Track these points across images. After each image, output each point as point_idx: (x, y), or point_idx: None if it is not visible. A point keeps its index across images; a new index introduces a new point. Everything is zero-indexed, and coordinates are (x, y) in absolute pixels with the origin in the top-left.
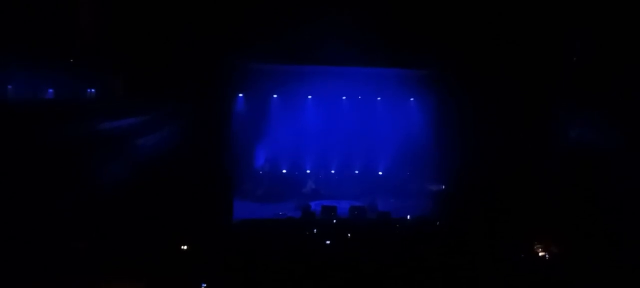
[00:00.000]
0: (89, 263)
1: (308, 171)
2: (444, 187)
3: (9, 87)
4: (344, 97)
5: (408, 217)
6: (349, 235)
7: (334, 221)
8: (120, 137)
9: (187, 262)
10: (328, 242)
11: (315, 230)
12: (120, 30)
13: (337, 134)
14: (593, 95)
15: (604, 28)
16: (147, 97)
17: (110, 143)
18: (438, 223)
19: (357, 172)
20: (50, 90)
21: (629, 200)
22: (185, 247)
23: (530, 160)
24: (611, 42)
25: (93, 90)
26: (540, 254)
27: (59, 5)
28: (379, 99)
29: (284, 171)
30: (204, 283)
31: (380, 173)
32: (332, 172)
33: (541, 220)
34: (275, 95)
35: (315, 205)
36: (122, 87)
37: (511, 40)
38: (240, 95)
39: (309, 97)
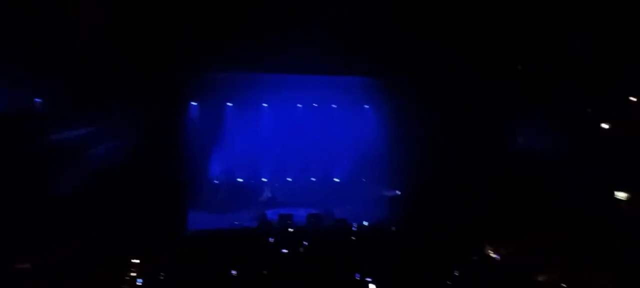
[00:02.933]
0: (36, 280)
1: (264, 180)
2: (399, 192)
3: None
4: (299, 105)
5: (365, 223)
6: (305, 243)
7: (291, 229)
8: (68, 149)
9: (139, 276)
10: (285, 250)
11: (271, 239)
12: (71, 38)
13: (293, 141)
14: (543, 102)
15: (557, 33)
16: (96, 107)
17: (58, 155)
18: (393, 228)
19: (313, 179)
20: None
21: (574, 201)
22: (137, 261)
23: (481, 164)
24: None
25: (40, 100)
26: (492, 256)
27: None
28: (334, 106)
29: (240, 180)
30: None
31: (336, 180)
32: (289, 180)
33: (493, 222)
34: (229, 104)
35: (271, 214)
36: (70, 96)
37: (464, 47)
38: (194, 103)
39: (264, 105)
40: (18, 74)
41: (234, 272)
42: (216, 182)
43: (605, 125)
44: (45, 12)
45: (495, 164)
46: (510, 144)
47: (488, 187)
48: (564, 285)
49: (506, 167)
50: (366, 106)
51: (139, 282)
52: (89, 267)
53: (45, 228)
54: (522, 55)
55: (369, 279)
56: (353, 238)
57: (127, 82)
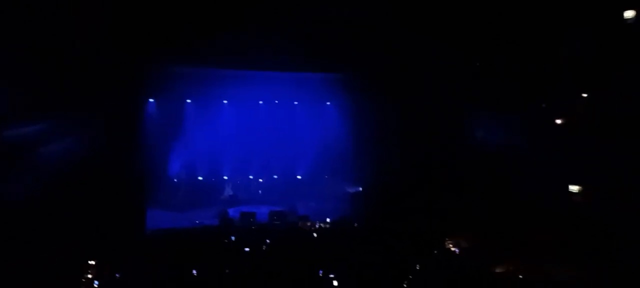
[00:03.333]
0: None
1: (225, 177)
2: (361, 188)
3: None
4: (261, 101)
5: (328, 219)
6: (268, 241)
7: (253, 227)
8: (21, 147)
9: (97, 278)
10: (247, 249)
11: (233, 238)
12: (22, 29)
13: (255, 138)
14: (501, 100)
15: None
16: (49, 103)
17: (10, 153)
18: (356, 224)
19: (275, 176)
20: None
21: (537, 198)
22: (93, 262)
23: (441, 161)
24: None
25: None
26: (452, 250)
27: None
28: (296, 102)
29: (201, 178)
30: None
31: (299, 177)
32: (251, 177)
33: (453, 218)
34: (189, 100)
35: (233, 212)
36: (25, 93)
37: (427, 43)
38: (152, 100)
39: (225, 101)
40: None
41: (195, 272)
42: (176, 180)
43: (559, 121)
44: None
45: (457, 160)
46: (473, 140)
47: (449, 183)
48: (521, 277)
49: (467, 164)
50: (328, 103)
51: (96, 283)
52: (45, 269)
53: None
54: (487, 51)
55: (331, 275)
56: (316, 235)
57: (84, 77)
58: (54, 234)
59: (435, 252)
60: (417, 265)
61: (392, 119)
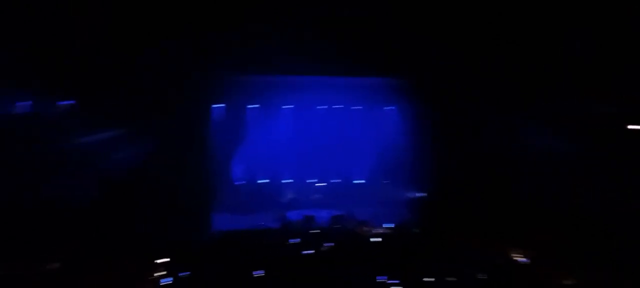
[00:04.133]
0: (63, 282)
1: (287, 181)
2: (422, 194)
3: None
4: (321, 107)
5: (387, 224)
6: (329, 244)
7: (313, 230)
8: (96, 152)
9: (165, 276)
10: (307, 251)
11: (294, 240)
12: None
13: (315, 143)
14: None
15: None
16: (120, 110)
17: (86, 157)
18: (417, 231)
19: (335, 181)
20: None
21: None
22: (162, 261)
23: (506, 166)
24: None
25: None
26: (517, 259)
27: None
28: (356, 107)
29: (263, 181)
30: None
31: (358, 181)
32: (311, 181)
33: (519, 226)
34: (252, 106)
35: (293, 215)
36: (101, 100)
37: (487, 46)
38: (217, 106)
39: (287, 107)
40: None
41: (258, 273)
42: (240, 183)
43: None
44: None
45: (519, 166)
46: (534, 145)
47: (513, 190)
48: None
49: (531, 169)
50: (389, 107)
51: (164, 282)
52: (113, 268)
53: (74, 230)
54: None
55: (396, 281)
56: (376, 240)
57: (151, 84)
58: (127, 235)
59: (500, 261)
60: (480, 274)
61: (454, 123)
